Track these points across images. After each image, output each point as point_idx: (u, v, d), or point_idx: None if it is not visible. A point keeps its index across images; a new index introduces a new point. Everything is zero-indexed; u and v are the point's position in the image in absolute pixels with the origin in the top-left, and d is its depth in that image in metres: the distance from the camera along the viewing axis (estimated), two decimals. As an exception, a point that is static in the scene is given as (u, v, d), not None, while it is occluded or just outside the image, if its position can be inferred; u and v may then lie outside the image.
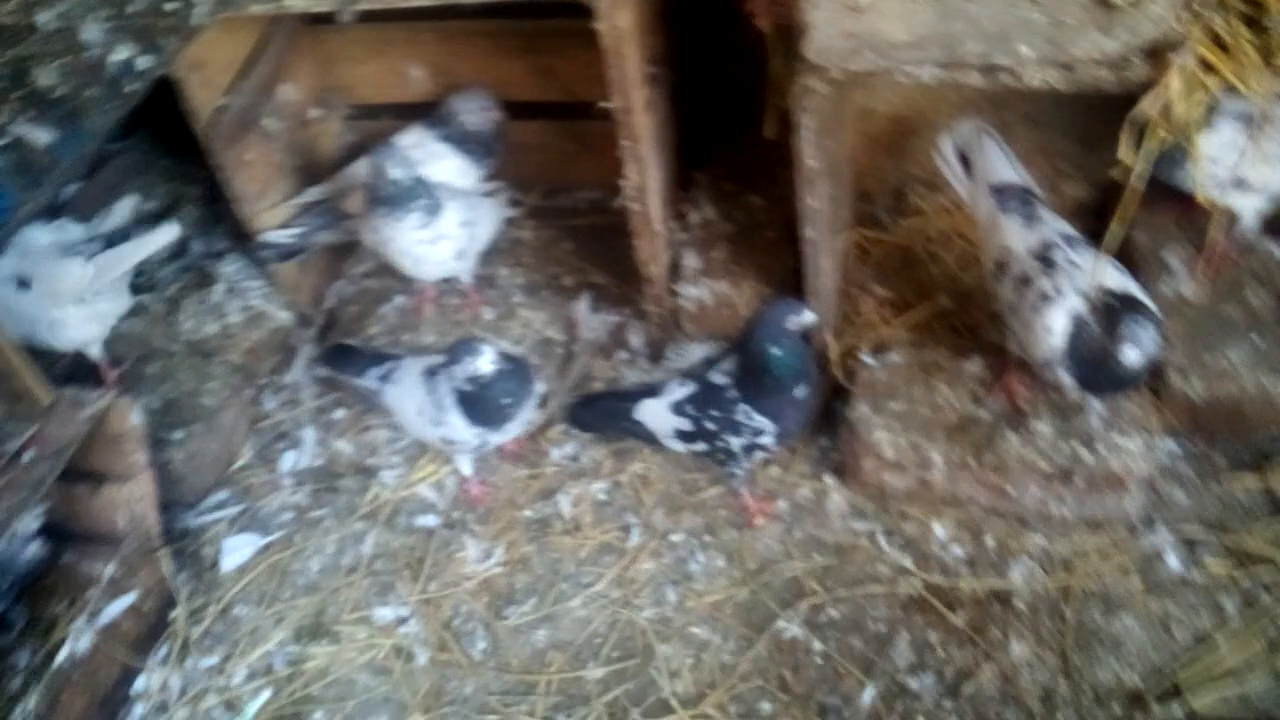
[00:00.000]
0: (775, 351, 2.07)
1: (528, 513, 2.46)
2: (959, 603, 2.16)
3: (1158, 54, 1.78)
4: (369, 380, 2.43)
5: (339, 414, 2.70)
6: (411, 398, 2.34)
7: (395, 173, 2.39)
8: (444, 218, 2.49)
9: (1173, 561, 2.14)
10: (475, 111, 2.72)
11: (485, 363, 2.18)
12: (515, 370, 2.26)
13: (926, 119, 2.62)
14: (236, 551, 2.47)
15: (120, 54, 1.91)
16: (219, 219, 2.86)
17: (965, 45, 1.83)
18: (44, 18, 1.78)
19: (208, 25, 2.14)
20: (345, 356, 2.55)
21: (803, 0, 1.83)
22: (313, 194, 2.71)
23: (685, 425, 2.24)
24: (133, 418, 2.20)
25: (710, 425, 2.20)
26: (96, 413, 2.15)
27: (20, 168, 1.80)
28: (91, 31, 1.84)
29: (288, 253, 2.68)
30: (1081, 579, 2.15)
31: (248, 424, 2.69)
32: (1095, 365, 1.99)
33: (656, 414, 2.28)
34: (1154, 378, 2.24)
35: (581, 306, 2.77)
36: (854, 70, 1.91)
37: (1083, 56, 1.81)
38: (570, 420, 2.53)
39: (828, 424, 2.46)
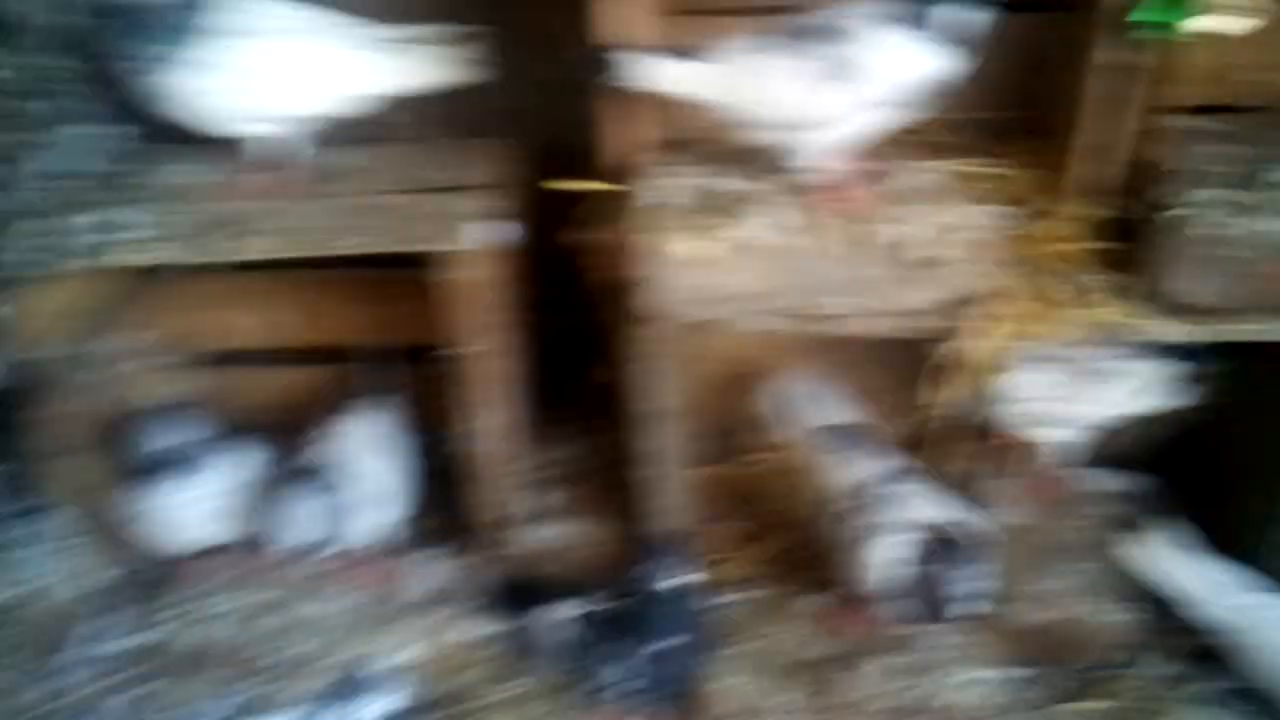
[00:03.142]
0: None
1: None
2: None
3: (956, 308, 1.99)
4: None
5: None
6: None
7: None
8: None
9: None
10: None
11: None
12: None
13: (758, 364, 2.78)
14: None
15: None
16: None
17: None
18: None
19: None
20: None
21: (646, 255, 1.96)
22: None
23: None
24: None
25: None
26: None
27: None
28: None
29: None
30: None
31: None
32: (921, 596, 2.04)
33: None
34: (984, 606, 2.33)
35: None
36: (697, 319, 2.03)
37: (894, 309, 2.00)
38: None
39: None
